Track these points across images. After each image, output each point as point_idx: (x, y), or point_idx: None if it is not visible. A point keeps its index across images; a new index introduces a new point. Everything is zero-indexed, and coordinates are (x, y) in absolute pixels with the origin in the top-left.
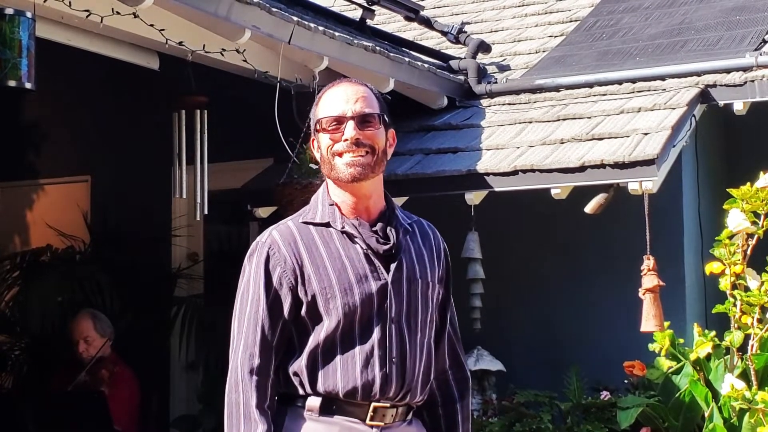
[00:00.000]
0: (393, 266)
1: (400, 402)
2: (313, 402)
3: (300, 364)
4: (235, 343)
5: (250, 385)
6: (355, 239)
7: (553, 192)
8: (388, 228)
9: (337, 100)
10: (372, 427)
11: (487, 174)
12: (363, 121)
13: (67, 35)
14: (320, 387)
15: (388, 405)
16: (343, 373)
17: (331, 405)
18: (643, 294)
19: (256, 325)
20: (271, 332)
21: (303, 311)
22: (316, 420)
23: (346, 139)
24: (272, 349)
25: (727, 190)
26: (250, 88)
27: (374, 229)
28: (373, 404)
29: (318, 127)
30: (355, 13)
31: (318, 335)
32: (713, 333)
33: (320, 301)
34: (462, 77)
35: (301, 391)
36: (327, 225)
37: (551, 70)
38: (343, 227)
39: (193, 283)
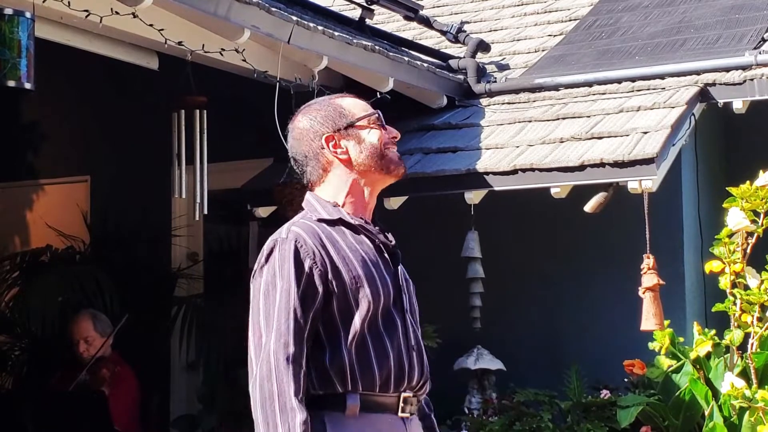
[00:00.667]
0: (398, 260)
1: (419, 392)
2: (352, 401)
3: (342, 360)
4: (264, 336)
5: (287, 373)
6: (369, 232)
7: (552, 191)
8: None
9: (366, 106)
10: (403, 419)
11: (487, 173)
12: None
13: (67, 35)
14: (360, 381)
15: (411, 395)
16: (378, 363)
17: (370, 401)
18: (643, 293)
19: (288, 313)
20: (304, 320)
21: (333, 303)
22: (356, 420)
23: (394, 137)
24: (305, 339)
25: (727, 188)
26: (249, 87)
27: (376, 227)
28: (402, 394)
29: (369, 122)
30: (355, 13)
31: (354, 327)
32: (713, 331)
33: (350, 290)
34: (461, 76)
35: (340, 389)
36: (337, 222)
37: (550, 69)
38: (356, 222)
39: (193, 283)
